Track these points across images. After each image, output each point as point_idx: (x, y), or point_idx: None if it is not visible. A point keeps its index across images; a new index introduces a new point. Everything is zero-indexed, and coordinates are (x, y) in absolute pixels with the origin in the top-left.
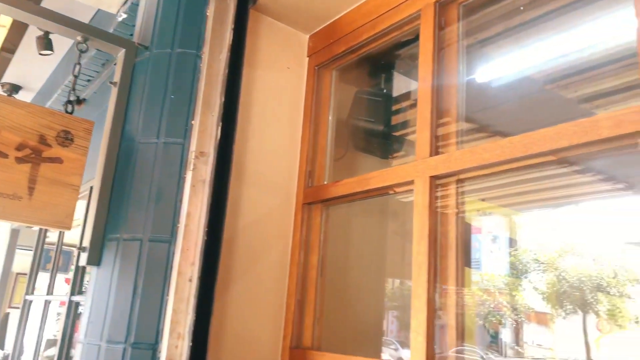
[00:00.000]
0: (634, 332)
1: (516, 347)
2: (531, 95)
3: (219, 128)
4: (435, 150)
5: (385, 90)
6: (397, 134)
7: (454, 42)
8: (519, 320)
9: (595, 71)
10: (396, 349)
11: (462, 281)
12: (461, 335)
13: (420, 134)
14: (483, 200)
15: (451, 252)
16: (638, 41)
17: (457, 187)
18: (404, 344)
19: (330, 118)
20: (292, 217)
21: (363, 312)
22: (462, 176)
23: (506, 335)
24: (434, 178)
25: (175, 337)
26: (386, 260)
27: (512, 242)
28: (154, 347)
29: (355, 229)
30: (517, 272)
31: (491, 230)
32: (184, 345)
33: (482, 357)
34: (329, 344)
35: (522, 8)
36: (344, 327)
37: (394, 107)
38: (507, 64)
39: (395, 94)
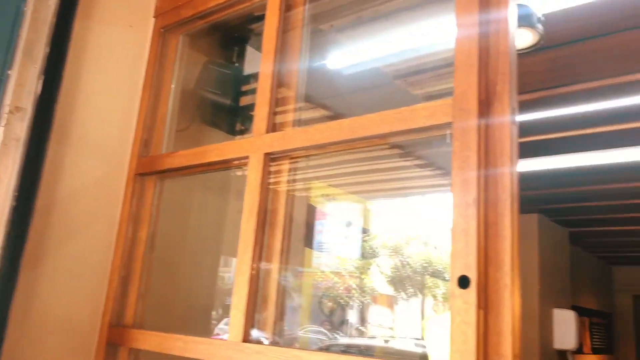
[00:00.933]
0: None
1: (359, 327)
2: (381, 87)
3: (41, 82)
4: (272, 128)
5: (237, 65)
6: (246, 110)
7: (299, 25)
8: (365, 301)
9: (438, 71)
10: None
11: (287, 260)
12: (291, 314)
13: (258, 110)
14: (331, 185)
15: (279, 231)
16: (456, 50)
17: (291, 167)
18: (254, 323)
19: (173, 86)
20: (122, 187)
21: (197, 290)
22: (297, 156)
23: (351, 315)
24: (268, 155)
25: None
26: (226, 239)
27: (364, 228)
28: None
29: (194, 205)
30: (367, 256)
31: (342, 216)
32: None
33: (328, 337)
34: (154, 323)
35: None
36: (174, 305)
37: (245, 83)
38: (360, 55)
39: (248, 69)
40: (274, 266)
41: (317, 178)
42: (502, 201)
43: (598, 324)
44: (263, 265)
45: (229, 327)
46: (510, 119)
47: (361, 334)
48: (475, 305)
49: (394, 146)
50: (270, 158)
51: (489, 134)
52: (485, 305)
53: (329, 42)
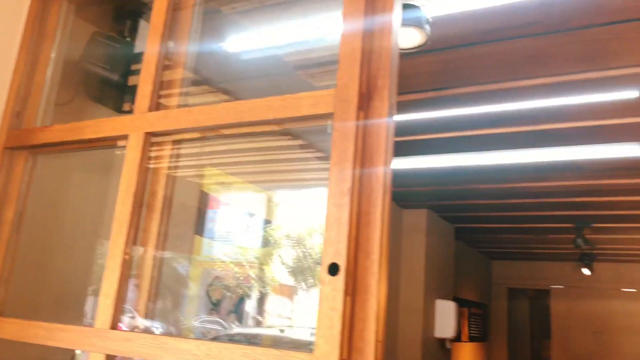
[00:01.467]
0: None
1: (256, 317)
2: (283, 76)
3: None
4: (155, 107)
5: (129, 40)
6: (136, 90)
7: (191, 4)
8: (264, 291)
9: (336, 65)
10: (133, 317)
11: (170, 246)
12: (179, 302)
13: (141, 87)
14: (230, 174)
15: (157, 214)
16: (341, 44)
17: (183, 152)
18: (142, 312)
19: (54, 55)
20: None
21: (72, 276)
22: (186, 138)
23: (249, 305)
24: (149, 135)
25: None
26: (107, 222)
27: (266, 219)
28: None
29: (72, 185)
30: (268, 246)
31: (242, 205)
32: None
33: (224, 327)
34: (20, 311)
35: None
36: (44, 292)
37: (137, 61)
38: (262, 41)
39: (141, 47)
40: (151, 251)
41: (213, 165)
42: (375, 192)
43: (476, 314)
44: (142, 250)
45: (97, 314)
46: (388, 113)
47: (258, 323)
48: (343, 291)
49: (294, 137)
50: (153, 141)
51: (367, 126)
52: (353, 292)
53: (230, 24)
